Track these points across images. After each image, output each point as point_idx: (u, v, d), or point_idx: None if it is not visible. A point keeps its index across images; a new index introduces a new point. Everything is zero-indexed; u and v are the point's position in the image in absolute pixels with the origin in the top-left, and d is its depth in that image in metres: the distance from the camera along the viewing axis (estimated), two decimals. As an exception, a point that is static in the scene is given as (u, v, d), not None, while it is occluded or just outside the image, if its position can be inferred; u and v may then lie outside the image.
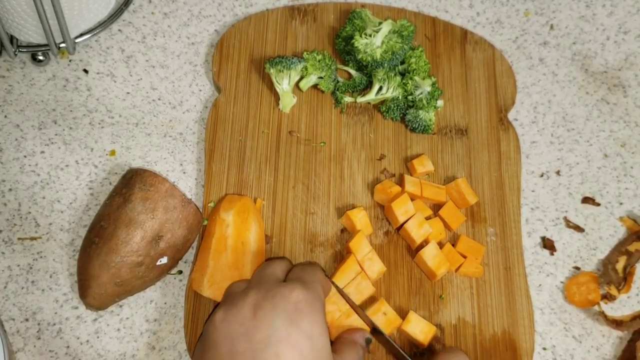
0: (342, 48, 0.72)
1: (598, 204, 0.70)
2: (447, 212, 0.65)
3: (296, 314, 0.49)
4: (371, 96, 0.69)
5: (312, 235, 0.64)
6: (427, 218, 0.64)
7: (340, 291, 0.59)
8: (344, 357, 0.53)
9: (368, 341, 0.56)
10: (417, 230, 0.63)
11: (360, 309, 0.59)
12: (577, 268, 0.67)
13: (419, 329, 0.60)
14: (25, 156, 0.66)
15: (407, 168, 0.68)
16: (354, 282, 0.60)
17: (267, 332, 0.48)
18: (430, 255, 0.62)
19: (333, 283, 0.59)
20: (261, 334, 0.48)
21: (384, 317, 0.60)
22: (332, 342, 0.55)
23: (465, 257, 0.63)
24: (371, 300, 0.61)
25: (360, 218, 0.63)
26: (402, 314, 0.61)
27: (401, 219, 0.63)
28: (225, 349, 0.48)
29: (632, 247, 0.66)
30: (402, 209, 0.63)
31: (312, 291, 0.51)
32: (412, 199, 0.64)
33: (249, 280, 0.56)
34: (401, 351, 0.58)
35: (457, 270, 0.63)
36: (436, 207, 0.66)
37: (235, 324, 0.49)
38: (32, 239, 0.63)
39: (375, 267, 0.61)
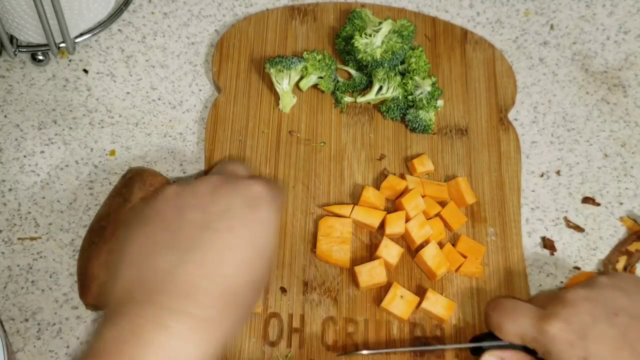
0: (342, 48, 0.72)
1: (598, 204, 0.70)
2: (448, 212, 0.65)
3: (256, 200, 0.46)
4: (371, 96, 0.69)
5: (312, 235, 0.64)
6: (429, 218, 0.64)
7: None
8: None
9: None
10: (417, 230, 0.63)
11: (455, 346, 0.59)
12: (577, 268, 0.67)
13: (440, 305, 0.60)
14: (25, 156, 0.66)
15: (407, 168, 0.68)
16: (368, 266, 0.61)
17: (223, 207, 0.45)
18: (430, 255, 0.62)
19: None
20: (217, 207, 0.45)
21: (401, 300, 0.60)
22: None
23: (465, 257, 0.63)
24: (386, 287, 0.61)
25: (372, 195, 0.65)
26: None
27: (412, 214, 0.63)
28: (172, 218, 0.45)
29: (632, 247, 0.66)
30: (412, 204, 0.63)
31: (275, 190, 0.48)
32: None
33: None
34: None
35: (457, 270, 0.63)
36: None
37: (189, 197, 0.46)
38: (32, 239, 0.63)
39: (394, 251, 0.62)
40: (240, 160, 0.57)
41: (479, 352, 0.57)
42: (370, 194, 0.65)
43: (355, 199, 0.66)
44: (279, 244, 0.50)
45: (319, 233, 0.63)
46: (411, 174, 0.67)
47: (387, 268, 0.62)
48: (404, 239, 0.64)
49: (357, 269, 0.61)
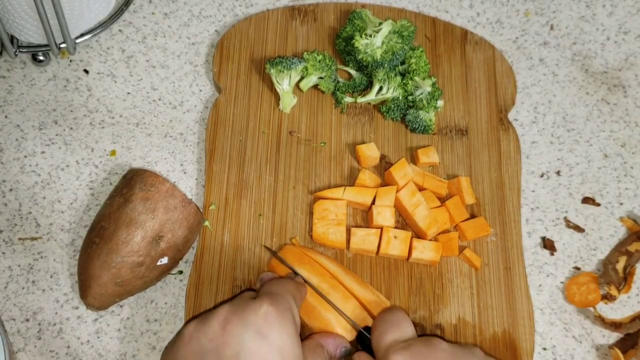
0: (343, 48, 0.72)
1: (598, 204, 0.70)
2: (452, 204, 0.65)
3: (265, 326, 0.48)
4: (371, 96, 0.69)
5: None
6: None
7: (321, 295, 0.58)
8: None
9: (346, 352, 0.55)
10: (409, 199, 0.64)
11: (343, 312, 0.58)
12: (577, 268, 0.67)
13: (428, 249, 0.62)
14: (25, 156, 0.66)
15: (411, 156, 0.68)
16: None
17: (236, 348, 0.47)
18: (421, 216, 0.63)
19: (314, 288, 0.59)
20: (230, 350, 0.47)
21: (396, 240, 0.62)
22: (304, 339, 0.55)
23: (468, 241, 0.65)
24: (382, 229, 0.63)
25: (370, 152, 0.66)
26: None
27: (401, 183, 0.64)
28: None
29: (632, 247, 0.66)
30: (400, 173, 0.65)
31: (282, 302, 0.51)
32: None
33: None
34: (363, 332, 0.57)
35: (459, 254, 0.64)
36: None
37: (204, 339, 0.48)
38: (33, 239, 0.63)
39: (387, 213, 0.63)
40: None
41: (363, 342, 0.57)
42: (366, 177, 0.66)
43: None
44: (301, 348, 0.51)
45: (314, 217, 0.63)
46: (415, 164, 0.68)
47: (387, 256, 0.63)
48: (396, 209, 0.65)
49: (354, 230, 0.63)
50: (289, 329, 0.49)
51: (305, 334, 0.58)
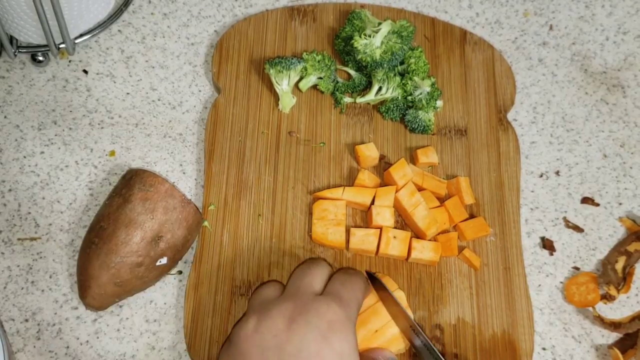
0: (342, 48, 0.72)
1: (597, 204, 0.70)
2: (452, 204, 0.65)
3: (329, 331, 0.49)
4: (371, 97, 0.69)
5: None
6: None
7: (389, 295, 0.58)
8: None
9: None
10: (408, 199, 0.64)
11: (407, 315, 0.57)
12: (577, 268, 0.67)
13: (428, 249, 0.62)
14: (25, 157, 0.66)
15: (410, 157, 0.68)
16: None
17: (298, 345, 0.48)
18: (420, 216, 0.63)
19: (383, 285, 0.58)
20: (292, 347, 0.48)
21: (395, 240, 0.62)
22: None
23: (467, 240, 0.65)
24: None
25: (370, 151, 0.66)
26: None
27: (400, 183, 0.64)
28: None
29: (632, 247, 0.66)
30: (400, 173, 0.65)
31: (348, 310, 0.51)
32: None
33: (285, 287, 0.55)
34: (441, 357, 0.57)
35: (459, 254, 0.64)
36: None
37: (268, 335, 0.49)
38: (32, 239, 0.63)
39: (387, 214, 0.63)
40: (315, 263, 0.57)
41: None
42: (365, 177, 0.66)
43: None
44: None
45: (313, 217, 0.63)
46: (414, 164, 0.68)
47: (386, 256, 0.63)
48: (396, 209, 0.65)
49: (353, 230, 0.63)
50: (350, 337, 0.50)
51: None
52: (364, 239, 0.63)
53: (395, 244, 0.62)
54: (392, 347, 0.58)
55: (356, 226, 0.65)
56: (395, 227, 0.64)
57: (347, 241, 0.64)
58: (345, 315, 0.50)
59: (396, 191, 0.64)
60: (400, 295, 0.59)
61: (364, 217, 0.66)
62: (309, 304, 0.50)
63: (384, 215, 0.63)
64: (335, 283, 0.54)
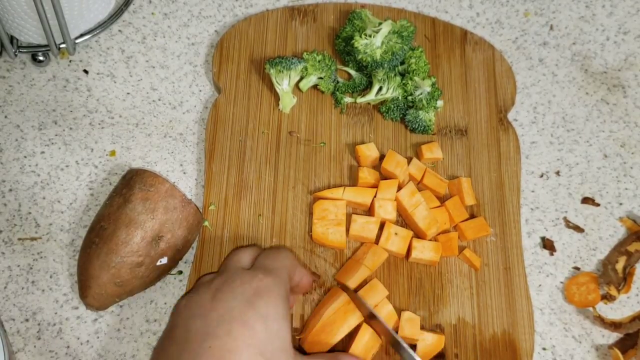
0: (342, 48, 0.72)
1: (598, 204, 0.70)
2: (452, 204, 0.65)
3: (254, 296, 0.49)
4: (371, 97, 0.69)
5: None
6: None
7: (353, 296, 0.59)
8: None
9: None
10: (408, 199, 0.64)
11: (377, 315, 0.58)
12: (577, 268, 0.67)
13: (428, 249, 0.62)
14: (25, 156, 0.66)
15: (415, 152, 0.69)
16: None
17: (221, 311, 0.48)
18: (420, 216, 0.63)
19: (347, 288, 0.59)
20: (216, 313, 0.48)
21: (396, 237, 0.62)
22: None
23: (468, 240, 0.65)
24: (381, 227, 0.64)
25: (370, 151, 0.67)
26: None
27: (396, 172, 0.65)
28: (180, 331, 0.49)
29: (632, 248, 0.66)
30: (392, 164, 0.65)
31: (275, 277, 0.51)
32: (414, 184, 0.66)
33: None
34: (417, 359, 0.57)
35: (459, 254, 0.64)
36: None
37: (194, 307, 0.50)
38: (32, 239, 0.63)
39: (389, 207, 0.64)
40: (243, 246, 0.59)
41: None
42: (365, 174, 0.66)
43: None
44: (291, 325, 0.52)
45: (313, 217, 0.63)
46: (419, 159, 0.68)
47: (386, 250, 0.63)
48: (398, 210, 0.65)
49: (354, 216, 0.63)
50: (278, 301, 0.49)
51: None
52: (364, 226, 0.63)
53: (395, 241, 0.63)
54: (390, 322, 0.59)
55: None
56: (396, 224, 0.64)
57: (348, 241, 0.64)
58: (272, 282, 0.50)
59: (398, 188, 0.64)
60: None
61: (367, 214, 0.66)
62: (235, 275, 0.51)
63: (386, 208, 0.64)
64: (261, 257, 0.55)
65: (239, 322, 0.47)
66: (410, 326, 0.59)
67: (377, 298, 0.60)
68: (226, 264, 0.56)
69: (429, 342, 0.59)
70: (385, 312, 0.60)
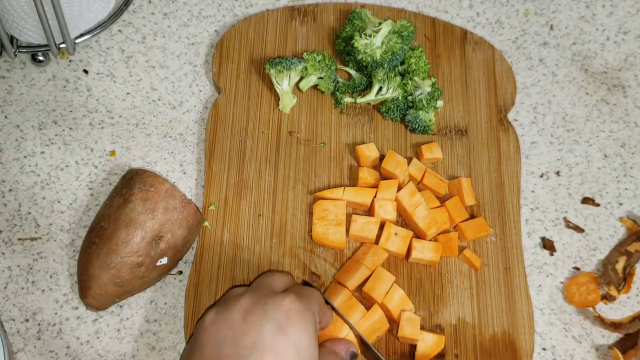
0: (342, 48, 0.72)
1: (598, 205, 0.70)
2: (452, 204, 0.65)
3: (286, 322, 0.48)
4: (371, 97, 0.69)
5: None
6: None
7: (333, 308, 0.59)
8: None
9: (353, 356, 0.56)
10: (409, 199, 0.64)
11: (352, 325, 0.58)
12: (577, 268, 0.67)
13: (428, 250, 0.62)
14: (25, 156, 0.66)
15: (415, 152, 0.69)
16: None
17: (254, 337, 0.47)
18: (420, 216, 0.63)
19: (326, 298, 0.59)
20: (248, 339, 0.47)
21: (396, 237, 0.62)
22: None
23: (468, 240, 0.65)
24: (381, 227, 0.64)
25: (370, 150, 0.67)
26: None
27: (396, 172, 0.65)
28: (211, 352, 0.48)
29: (632, 248, 0.66)
30: (392, 163, 0.65)
31: (306, 302, 0.51)
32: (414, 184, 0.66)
33: (248, 287, 0.55)
34: None
35: (459, 254, 0.64)
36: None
37: (224, 327, 0.49)
38: (32, 239, 0.63)
39: (389, 207, 0.64)
40: (279, 271, 0.59)
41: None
42: (365, 174, 0.66)
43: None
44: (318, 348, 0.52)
45: (313, 217, 0.63)
46: (419, 159, 0.68)
47: (387, 250, 0.63)
48: (399, 211, 0.65)
49: (354, 217, 0.63)
50: (309, 328, 0.49)
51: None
52: (364, 226, 0.63)
53: (395, 241, 0.63)
54: (404, 306, 0.60)
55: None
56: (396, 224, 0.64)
57: (348, 241, 0.64)
58: (303, 306, 0.50)
59: (398, 188, 0.64)
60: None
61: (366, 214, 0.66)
62: (267, 296, 0.50)
63: (386, 208, 0.64)
64: (294, 287, 0.55)
65: (271, 351, 0.46)
66: (410, 326, 0.59)
67: (386, 285, 0.60)
68: (259, 282, 0.54)
69: (429, 342, 0.59)
70: (397, 298, 0.60)
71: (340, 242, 0.63)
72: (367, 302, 0.61)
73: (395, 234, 0.63)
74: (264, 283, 0.54)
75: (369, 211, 0.65)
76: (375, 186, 0.65)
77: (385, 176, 0.66)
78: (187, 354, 0.51)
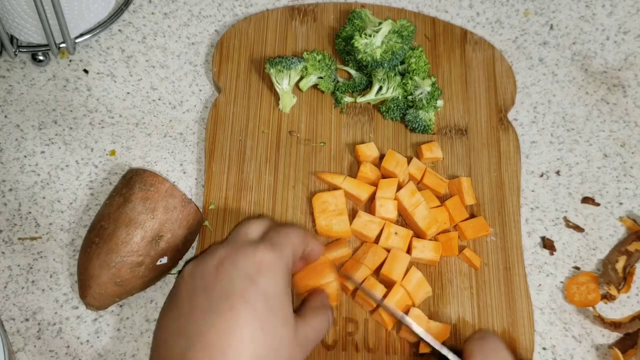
0: (342, 48, 0.72)
1: (598, 204, 0.70)
2: (452, 204, 0.65)
3: (256, 272, 0.49)
4: (371, 96, 0.69)
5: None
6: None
7: (359, 286, 0.59)
8: (308, 321, 0.53)
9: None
10: (409, 198, 0.64)
11: (383, 300, 0.59)
12: (577, 268, 0.67)
13: (428, 249, 0.62)
14: (25, 156, 0.66)
15: (415, 152, 0.69)
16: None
17: (225, 287, 0.49)
18: (420, 216, 0.63)
19: (350, 278, 0.60)
20: (219, 289, 0.49)
21: (396, 236, 0.63)
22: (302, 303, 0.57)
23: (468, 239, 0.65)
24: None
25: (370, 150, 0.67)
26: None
27: (396, 171, 0.65)
28: (185, 302, 0.50)
29: (632, 247, 0.66)
30: (392, 162, 0.65)
31: (278, 252, 0.51)
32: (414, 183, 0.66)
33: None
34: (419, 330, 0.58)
35: (459, 254, 0.64)
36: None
37: (198, 278, 0.50)
38: (32, 239, 0.63)
39: (390, 206, 0.64)
40: (256, 217, 0.59)
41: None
42: (367, 169, 0.66)
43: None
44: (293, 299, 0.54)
45: (314, 211, 0.64)
46: (419, 159, 0.68)
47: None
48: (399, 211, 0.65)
49: (360, 212, 0.63)
50: (279, 278, 0.50)
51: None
52: (367, 224, 0.63)
53: (395, 240, 0.63)
54: (420, 292, 0.60)
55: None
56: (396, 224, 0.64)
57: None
58: (276, 256, 0.51)
59: (398, 188, 0.64)
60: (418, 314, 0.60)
61: (365, 210, 0.65)
62: (239, 248, 0.51)
63: (387, 207, 0.64)
64: (270, 231, 0.55)
65: (241, 299, 0.48)
66: (418, 323, 0.59)
67: (403, 266, 0.61)
68: (235, 232, 0.55)
69: (433, 330, 0.59)
70: (415, 281, 0.60)
71: (346, 231, 0.63)
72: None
73: (395, 233, 0.63)
74: (240, 232, 0.55)
75: (368, 210, 0.65)
76: (374, 183, 0.65)
77: (385, 175, 0.66)
78: (166, 305, 0.52)
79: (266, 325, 0.48)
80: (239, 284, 0.49)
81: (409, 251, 0.63)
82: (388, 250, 0.62)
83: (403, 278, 0.61)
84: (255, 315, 0.48)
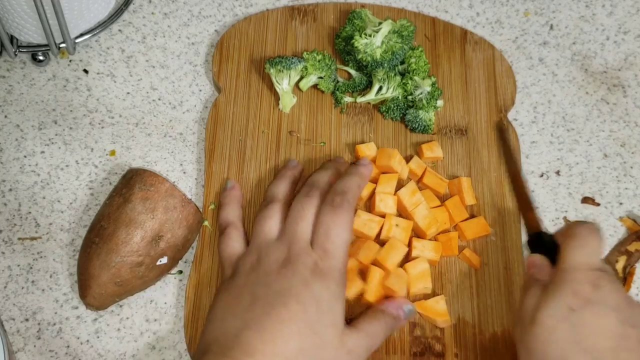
0: (342, 48, 0.72)
1: (598, 204, 0.70)
2: (452, 204, 0.65)
3: (312, 278, 0.54)
4: (371, 96, 0.69)
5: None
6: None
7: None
8: (360, 327, 0.56)
9: (409, 311, 0.59)
10: (409, 198, 0.64)
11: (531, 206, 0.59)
12: (577, 268, 0.67)
13: (428, 249, 0.63)
14: (25, 156, 0.66)
15: (415, 152, 0.69)
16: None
17: (284, 285, 0.54)
18: (421, 216, 0.63)
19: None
20: (279, 286, 0.54)
21: (397, 228, 0.63)
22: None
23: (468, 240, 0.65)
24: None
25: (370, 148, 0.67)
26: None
27: (391, 164, 0.65)
28: (246, 291, 0.55)
29: (632, 247, 0.66)
30: (385, 156, 0.65)
31: (332, 261, 0.56)
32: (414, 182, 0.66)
33: (284, 228, 0.59)
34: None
35: (459, 254, 0.64)
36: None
37: (262, 274, 0.56)
38: (32, 239, 0.63)
39: (390, 202, 0.64)
40: (307, 203, 0.60)
41: (536, 244, 0.56)
42: (365, 148, 0.67)
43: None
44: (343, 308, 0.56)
45: None
46: (419, 158, 0.68)
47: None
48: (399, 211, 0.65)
49: (359, 211, 0.63)
50: (332, 285, 0.55)
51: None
52: (366, 223, 0.63)
53: (397, 232, 0.63)
54: (420, 282, 0.61)
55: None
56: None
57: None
58: (329, 266, 0.56)
59: (398, 184, 0.64)
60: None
61: (366, 208, 0.65)
62: (299, 254, 0.56)
63: (387, 202, 0.63)
64: (320, 232, 0.57)
65: (295, 298, 0.53)
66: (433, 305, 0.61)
67: (398, 255, 0.61)
68: (293, 230, 0.58)
69: (419, 270, 0.61)
70: (419, 269, 0.61)
71: None
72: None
73: (396, 225, 0.63)
74: (297, 232, 0.58)
75: (368, 208, 0.65)
76: (375, 181, 0.65)
77: (383, 172, 0.66)
78: (225, 287, 0.57)
79: (314, 324, 0.53)
80: (295, 286, 0.54)
81: (408, 252, 0.63)
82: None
83: (407, 263, 0.61)
84: (305, 314, 0.53)
